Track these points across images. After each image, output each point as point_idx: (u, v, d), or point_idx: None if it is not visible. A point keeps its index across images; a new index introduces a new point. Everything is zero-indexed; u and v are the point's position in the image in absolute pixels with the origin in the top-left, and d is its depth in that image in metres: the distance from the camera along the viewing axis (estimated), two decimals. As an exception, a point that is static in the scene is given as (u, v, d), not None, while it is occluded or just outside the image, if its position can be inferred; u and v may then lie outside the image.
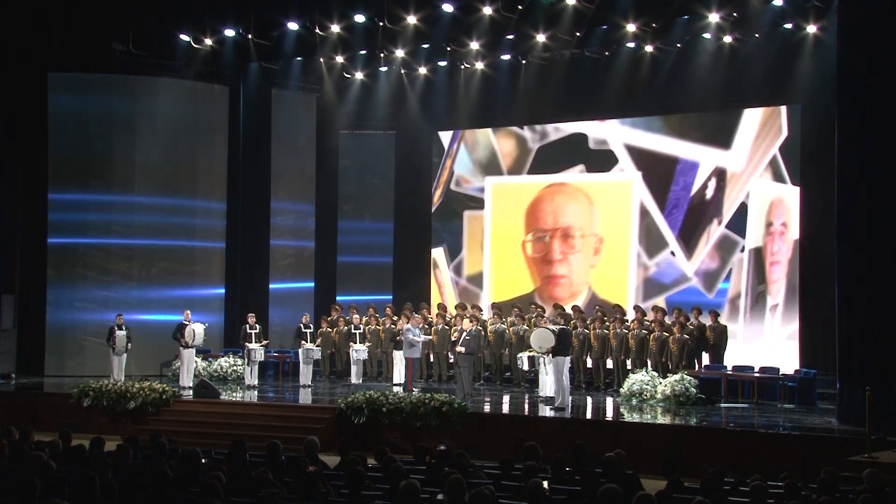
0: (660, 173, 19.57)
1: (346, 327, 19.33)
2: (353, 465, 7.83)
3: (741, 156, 18.73)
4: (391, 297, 21.93)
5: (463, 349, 15.81)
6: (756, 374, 16.64)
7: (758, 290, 18.45)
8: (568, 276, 20.44)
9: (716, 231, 18.90)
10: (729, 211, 18.81)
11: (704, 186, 19.06)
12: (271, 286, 21.43)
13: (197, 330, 17.65)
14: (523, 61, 20.38)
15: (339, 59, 20.67)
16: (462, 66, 21.02)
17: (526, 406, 16.14)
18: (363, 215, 23.09)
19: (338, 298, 21.92)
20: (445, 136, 22.19)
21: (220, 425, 14.98)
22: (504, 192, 21.41)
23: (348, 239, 22.84)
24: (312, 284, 22.09)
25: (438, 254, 22.19)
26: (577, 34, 18.47)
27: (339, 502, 7.50)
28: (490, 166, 21.60)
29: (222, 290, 21.12)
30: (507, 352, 18.62)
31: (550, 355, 15.19)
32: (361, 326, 18.97)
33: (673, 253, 19.24)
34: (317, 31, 18.92)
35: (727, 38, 18.18)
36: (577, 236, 20.43)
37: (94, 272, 20.13)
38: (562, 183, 20.72)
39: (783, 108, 18.42)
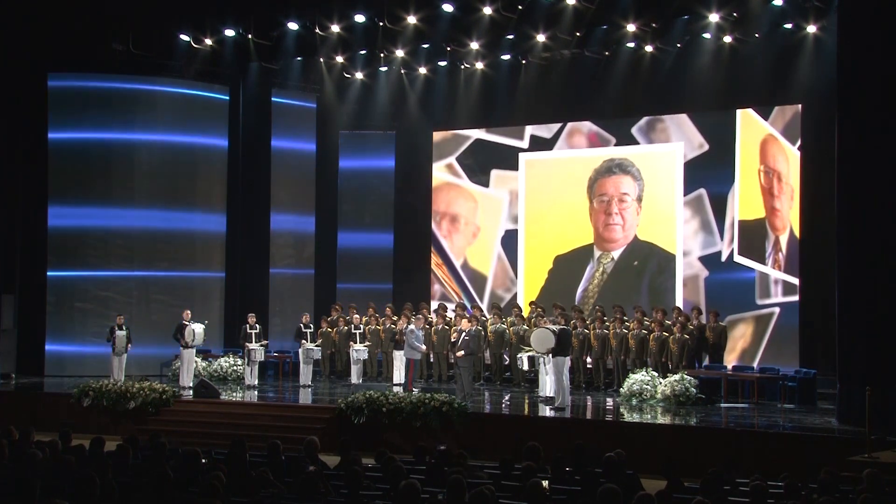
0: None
1: (346, 327, 19.34)
2: (352, 464, 7.83)
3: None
4: (391, 287, 22.00)
5: (462, 351, 15.81)
6: (756, 374, 16.65)
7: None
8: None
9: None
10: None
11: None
12: (271, 282, 21.44)
13: (197, 330, 17.65)
14: (523, 61, 20.37)
15: (339, 59, 20.66)
16: (462, 66, 21.01)
17: (526, 406, 16.15)
18: (363, 215, 23.10)
19: (338, 286, 22.09)
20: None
21: (220, 425, 14.97)
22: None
23: (348, 238, 22.83)
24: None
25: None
26: (577, 34, 18.47)
27: (338, 502, 7.50)
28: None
29: (222, 289, 21.13)
30: (507, 352, 18.64)
31: (550, 355, 15.19)
32: (361, 326, 18.97)
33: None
34: (317, 31, 18.92)
35: (727, 38, 18.17)
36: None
37: (95, 272, 20.11)
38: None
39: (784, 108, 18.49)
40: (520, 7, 17.61)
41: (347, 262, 22.75)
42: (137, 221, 20.25)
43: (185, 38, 19.63)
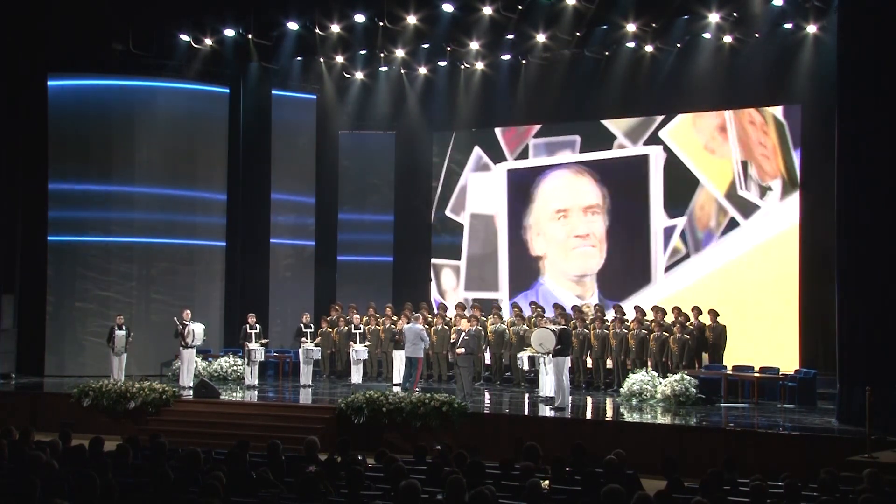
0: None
1: (346, 327, 19.34)
2: (352, 464, 7.83)
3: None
4: (391, 296, 22.00)
5: (462, 350, 15.80)
6: (756, 374, 16.64)
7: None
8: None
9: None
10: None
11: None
12: (271, 286, 21.41)
13: (196, 330, 17.65)
14: (523, 61, 20.36)
15: (339, 59, 20.67)
16: (462, 66, 21.00)
17: (526, 406, 16.15)
18: (363, 215, 23.08)
19: (337, 293, 22.07)
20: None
21: (221, 425, 14.98)
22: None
23: (348, 238, 22.82)
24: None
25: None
26: (577, 34, 18.47)
27: (339, 502, 7.50)
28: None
29: (222, 290, 21.11)
30: (508, 352, 18.63)
31: (551, 355, 15.19)
32: (361, 326, 18.98)
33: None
34: (317, 31, 18.94)
35: (727, 38, 18.16)
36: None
37: (94, 272, 20.13)
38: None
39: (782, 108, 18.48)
40: (520, 7, 17.63)
41: (347, 273, 22.64)
42: (139, 219, 20.28)
43: (185, 38, 19.64)
